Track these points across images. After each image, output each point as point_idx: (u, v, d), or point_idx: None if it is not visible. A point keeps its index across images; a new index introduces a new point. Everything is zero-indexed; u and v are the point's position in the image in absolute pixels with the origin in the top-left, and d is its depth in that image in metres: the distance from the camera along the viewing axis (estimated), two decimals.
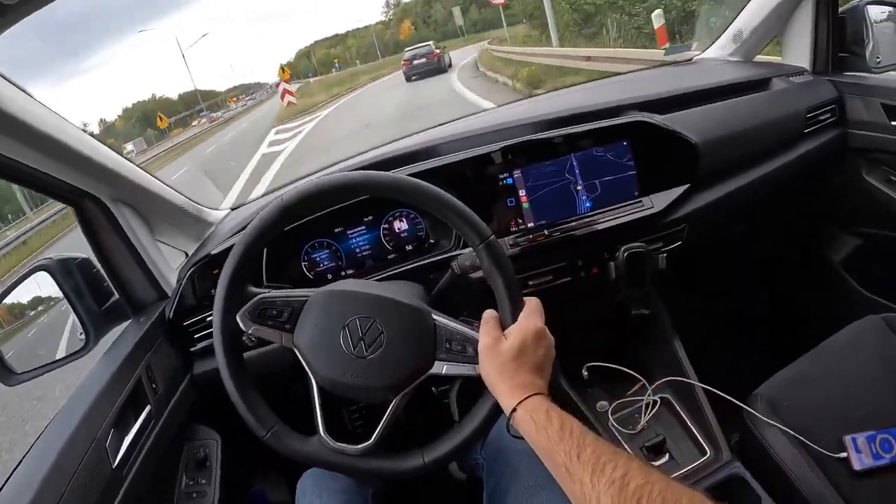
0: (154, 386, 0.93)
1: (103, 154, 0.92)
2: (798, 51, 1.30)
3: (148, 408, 0.90)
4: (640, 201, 1.00)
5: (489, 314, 0.67)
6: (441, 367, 0.67)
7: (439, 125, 1.30)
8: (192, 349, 0.99)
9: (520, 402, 0.60)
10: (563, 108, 1.08)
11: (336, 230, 1.00)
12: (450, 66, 18.33)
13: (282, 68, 20.22)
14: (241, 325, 0.69)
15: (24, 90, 0.78)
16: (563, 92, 1.46)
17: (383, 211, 1.00)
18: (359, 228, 1.00)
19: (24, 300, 1.08)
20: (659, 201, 1.00)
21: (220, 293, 0.71)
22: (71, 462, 0.73)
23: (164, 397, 0.93)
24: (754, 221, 1.23)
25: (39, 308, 1.12)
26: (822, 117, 1.19)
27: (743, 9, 1.32)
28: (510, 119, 1.08)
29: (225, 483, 0.99)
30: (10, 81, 0.74)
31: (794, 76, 1.25)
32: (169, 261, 1.06)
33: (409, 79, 18.33)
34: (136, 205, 0.99)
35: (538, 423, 0.58)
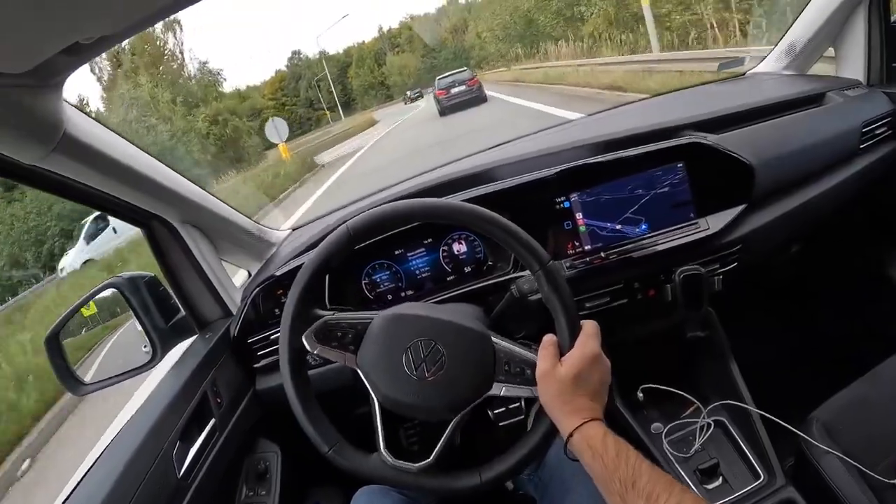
0: (219, 400, 0.97)
1: (171, 178, 0.96)
2: (852, 63, 1.27)
3: (212, 421, 0.94)
4: (696, 223, 0.99)
5: (548, 339, 0.69)
6: (500, 389, 0.69)
7: (493, 147, 1.32)
8: (256, 365, 1.03)
9: (577, 428, 0.61)
10: (616, 129, 1.08)
11: (396, 252, 1.02)
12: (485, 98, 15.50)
13: None
14: (306, 345, 0.73)
15: (99, 121, 0.82)
16: (615, 111, 1.45)
17: (442, 234, 1.02)
18: (419, 251, 1.02)
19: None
20: (715, 223, 0.99)
21: (287, 314, 0.74)
22: (138, 472, 0.77)
23: (227, 411, 0.97)
24: (811, 241, 1.20)
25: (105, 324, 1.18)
26: (878, 131, 1.16)
27: (795, 21, 1.30)
28: (564, 141, 1.09)
29: (283, 495, 1.02)
30: (86, 114, 0.78)
31: (849, 89, 1.22)
32: (233, 279, 1.11)
33: (443, 112, 15.39)
34: (202, 226, 1.03)
35: (594, 450, 0.59)
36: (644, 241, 0.99)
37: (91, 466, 0.82)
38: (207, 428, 0.92)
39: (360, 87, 61.22)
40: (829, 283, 1.39)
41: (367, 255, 1.01)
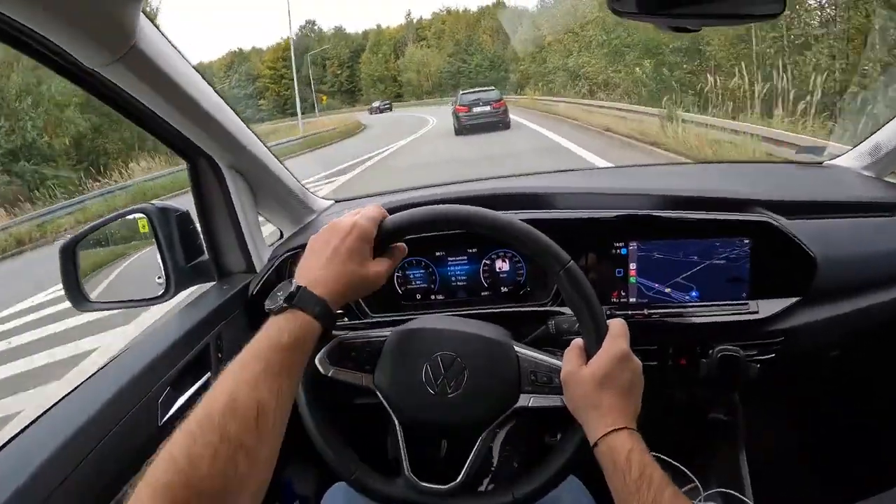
0: (220, 355, 0.93)
1: (232, 122, 0.93)
2: None
3: (208, 375, 0.90)
4: (747, 304, 0.95)
5: (575, 342, 0.66)
6: (527, 400, 0.66)
7: (541, 173, 1.29)
8: None
9: (603, 436, 0.58)
10: (685, 186, 1.04)
11: (437, 253, 0.99)
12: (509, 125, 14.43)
13: None
14: (320, 368, 0.69)
15: (175, 48, 0.79)
16: (683, 169, 1.41)
17: (488, 247, 0.98)
18: (460, 258, 0.99)
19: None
20: (765, 308, 0.96)
21: None
22: (120, 408, 0.74)
23: None
24: (856, 347, 1.16)
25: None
26: None
27: (887, 123, 1.26)
28: (628, 185, 1.05)
29: None
30: (165, 37, 0.76)
31: None
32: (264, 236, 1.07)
33: (459, 132, 14.10)
34: (249, 175, 1.00)
35: (618, 465, 0.56)
36: (689, 309, 0.95)
37: (71, 392, 0.79)
38: (202, 381, 0.89)
39: (369, 78, 52.57)
40: (865, 394, 1.34)
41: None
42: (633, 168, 1.42)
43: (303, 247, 1.00)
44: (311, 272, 0.59)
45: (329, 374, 0.69)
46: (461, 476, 0.65)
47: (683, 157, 7.90)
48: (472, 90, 16.07)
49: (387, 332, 0.71)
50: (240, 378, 0.50)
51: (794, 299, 0.97)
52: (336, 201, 1.24)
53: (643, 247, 0.95)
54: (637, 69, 14.50)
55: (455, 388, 0.66)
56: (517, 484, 0.65)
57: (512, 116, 14.95)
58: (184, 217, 1.02)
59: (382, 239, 0.63)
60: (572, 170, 1.33)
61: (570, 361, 0.64)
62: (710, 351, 0.93)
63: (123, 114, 0.83)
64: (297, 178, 1.10)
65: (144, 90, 0.76)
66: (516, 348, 0.69)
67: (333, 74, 52.77)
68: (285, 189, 1.07)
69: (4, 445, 0.69)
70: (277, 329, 0.55)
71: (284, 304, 0.56)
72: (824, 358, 1.06)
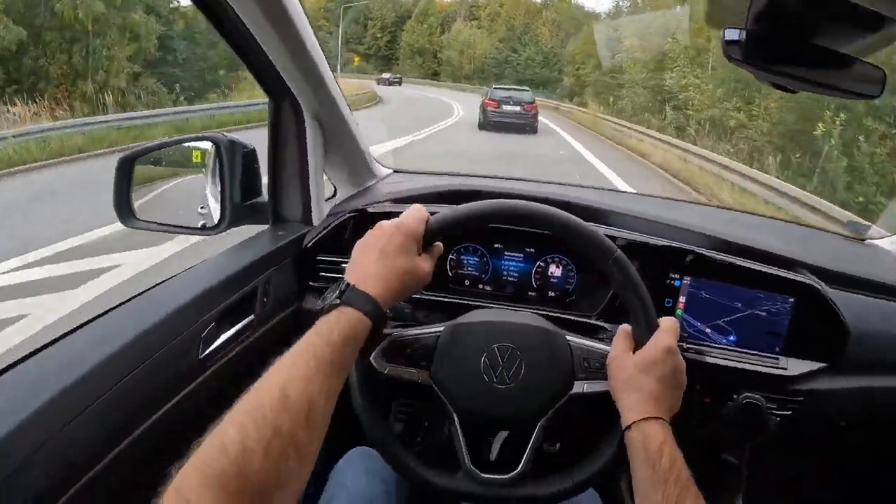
0: (265, 300, 0.93)
1: (325, 70, 0.93)
2: None
3: (251, 317, 0.91)
4: (778, 359, 0.98)
5: (623, 328, 0.69)
6: (582, 387, 0.69)
7: (591, 187, 1.30)
8: (312, 283, 1.00)
9: (638, 421, 0.60)
10: (734, 233, 1.06)
11: (496, 245, 0.99)
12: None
13: None
14: (376, 365, 0.69)
15: None
16: (730, 215, 1.43)
17: (545, 249, 0.99)
18: (517, 254, 1.00)
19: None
20: (794, 366, 0.98)
21: None
22: (165, 334, 0.74)
23: (268, 314, 0.94)
24: (870, 424, 1.19)
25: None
26: None
27: None
28: (680, 219, 1.07)
29: None
30: None
31: None
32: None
33: (483, 126, 13.54)
34: (327, 126, 1.00)
35: (649, 452, 0.58)
36: (725, 351, 0.97)
37: (120, 304, 0.78)
38: (243, 322, 0.89)
39: (409, 48, 47.12)
40: (870, 470, 1.37)
41: (466, 235, 0.99)
42: (683, 203, 1.44)
43: (364, 211, 1.02)
44: (361, 271, 0.60)
45: (385, 372, 0.69)
46: (521, 465, 0.67)
47: None
48: (505, 86, 15.44)
49: (440, 327, 0.72)
50: (292, 373, 0.50)
51: (821, 364, 1.00)
52: (395, 171, 1.24)
53: (695, 283, 0.97)
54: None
55: (513, 378, 0.68)
56: (575, 469, 0.68)
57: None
58: (250, 154, 1.01)
59: (429, 236, 0.65)
60: (611, 189, 1.34)
61: (617, 346, 0.67)
62: (735, 395, 0.96)
63: (227, 38, 0.82)
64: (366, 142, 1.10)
65: (258, 18, 0.75)
66: (567, 337, 0.71)
67: (373, 37, 48.76)
68: (356, 148, 1.07)
69: (54, 342, 0.68)
70: (328, 326, 0.55)
71: (336, 301, 0.57)
72: (837, 427, 1.09)
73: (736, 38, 0.68)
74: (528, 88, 16.12)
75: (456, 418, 0.68)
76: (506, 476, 0.67)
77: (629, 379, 0.63)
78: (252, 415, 0.46)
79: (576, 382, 0.69)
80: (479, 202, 0.67)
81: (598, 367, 0.69)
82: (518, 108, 13.61)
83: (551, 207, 0.67)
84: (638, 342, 0.66)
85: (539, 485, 0.68)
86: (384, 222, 0.64)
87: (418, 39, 47.58)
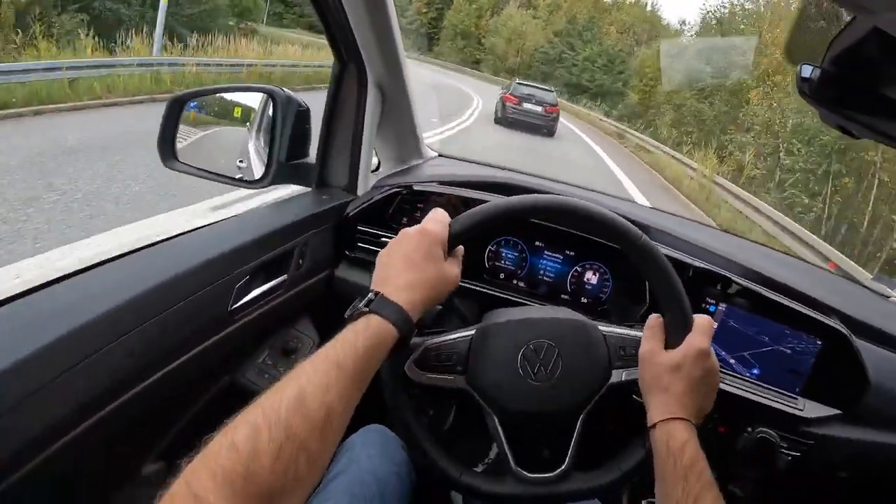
0: (300, 262, 0.92)
1: (397, 40, 0.92)
2: None
3: (284, 276, 0.90)
4: (796, 399, 0.98)
5: (654, 319, 0.67)
6: (620, 375, 0.68)
7: (628, 200, 1.29)
8: (348, 252, 0.99)
9: (663, 420, 0.60)
10: (774, 271, 1.06)
11: (537, 243, 0.99)
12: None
13: None
14: (410, 376, 0.68)
15: None
16: (766, 250, 1.43)
17: (585, 254, 0.99)
18: (556, 255, 1.00)
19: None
20: (810, 409, 0.99)
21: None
22: (201, 279, 0.73)
23: (301, 277, 0.93)
24: (873, 478, 1.20)
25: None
26: None
27: None
28: (718, 246, 1.06)
29: None
30: None
31: None
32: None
33: (499, 122, 13.15)
34: (388, 97, 0.99)
35: (671, 450, 0.58)
36: (746, 383, 0.97)
37: (160, 241, 0.77)
38: (276, 281, 0.88)
39: (452, 29, 40.40)
40: None
41: (508, 229, 0.98)
42: (719, 232, 1.44)
43: (410, 188, 1.01)
44: (388, 280, 0.59)
45: (422, 381, 0.68)
46: (567, 460, 0.66)
47: None
48: (529, 83, 14.63)
49: (470, 331, 0.71)
50: (312, 379, 0.49)
51: (836, 410, 1.00)
52: (440, 155, 1.23)
53: (728, 311, 0.97)
54: None
55: (551, 373, 0.67)
56: (620, 458, 0.67)
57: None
58: (304, 114, 1.00)
59: (452, 240, 0.64)
60: (652, 208, 1.34)
61: (648, 340, 0.66)
62: (750, 429, 0.96)
63: None
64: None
65: None
66: (600, 327, 0.70)
67: (418, 11, 42.39)
68: (410, 125, 1.06)
69: (91, 268, 0.67)
70: (354, 334, 0.53)
71: (364, 309, 0.55)
72: (838, 476, 1.10)
73: (809, 75, 0.68)
74: (552, 89, 15.56)
75: (497, 421, 0.67)
76: (552, 474, 0.66)
77: (658, 378, 0.63)
78: (266, 416, 0.45)
79: (613, 371, 0.68)
80: (497, 201, 0.66)
81: (633, 354, 0.68)
82: (539, 109, 13.16)
83: (570, 198, 0.66)
84: (670, 336, 0.65)
85: (588, 478, 0.67)
86: (407, 229, 0.63)
87: (464, 20, 40.83)
